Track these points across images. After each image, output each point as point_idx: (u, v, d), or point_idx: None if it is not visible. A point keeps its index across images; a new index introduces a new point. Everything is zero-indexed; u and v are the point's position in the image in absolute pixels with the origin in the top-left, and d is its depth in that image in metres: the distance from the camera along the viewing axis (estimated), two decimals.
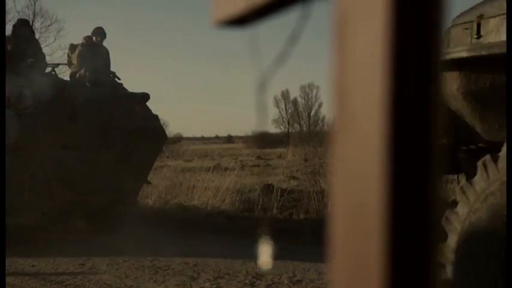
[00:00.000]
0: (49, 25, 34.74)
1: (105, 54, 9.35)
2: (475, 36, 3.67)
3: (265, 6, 0.63)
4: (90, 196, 8.25)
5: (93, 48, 9.16)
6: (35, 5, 33.92)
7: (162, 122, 9.21)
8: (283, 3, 0.64)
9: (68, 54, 9.55)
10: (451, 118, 3.60)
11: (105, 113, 8.35)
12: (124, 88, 9.09)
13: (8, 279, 5.76)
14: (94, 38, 9.33)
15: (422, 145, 0.48)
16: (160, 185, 12.56)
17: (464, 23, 3.78)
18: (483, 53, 3.31)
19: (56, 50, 39.30)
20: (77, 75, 8.98)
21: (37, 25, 34.30)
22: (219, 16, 0.68)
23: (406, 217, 0.48)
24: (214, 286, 5.85)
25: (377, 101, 0.48)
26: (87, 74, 8.85)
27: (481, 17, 3.68)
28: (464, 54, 3.40)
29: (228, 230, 9.06)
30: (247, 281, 5.99)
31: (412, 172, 0.48)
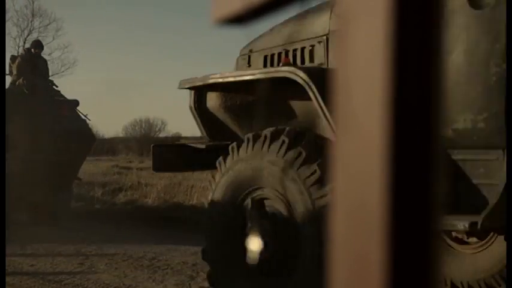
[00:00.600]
0: (47, 24, 34.79)
1: (43, 64, 10.59)
2: (248, 65, 5.08)
3: (263, 5, 0.64)
4: (26, 192, 9.29)
5: (32, 59, 10.36)
6: (33, 4, 33.97)
7: (90, 125, 10.74)
8: (280, 3, 0.64)
9: (10, 64, 10.70)
10: (221, 126, 4.96)
11: (38, 117, 9.47)
12: (61, 95, 10.43)
13: (7, 279, 5.76)
14: (33, 50, 10.56)
15: (423, 144, 0.48)
16: (158, 185, 12.57)
17: (243, 54, 5.21)
18: (230, 79, 4.49)
19: (54, 50, 39.40)
20: (16, 83, 10.18)
21: (36, 24, 34.37)
22: (217, 15, 0.68)
23: (407, 216, 0.48)
24: None
25: (378, 99, 0.48)
26: (24, 82, 10.04)
27: (251, 50, 5.12)
28: (220, 80, 4.54)
29: None
30: None
31: (413, 171, 0.48)
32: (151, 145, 5.28)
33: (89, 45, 52.33)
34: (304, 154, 3.78)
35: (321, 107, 3.81)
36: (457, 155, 3.67)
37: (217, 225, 4.42)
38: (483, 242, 4.66)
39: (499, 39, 3.35)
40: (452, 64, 3.45)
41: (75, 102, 10.22)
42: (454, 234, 4.70)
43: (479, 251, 4.68)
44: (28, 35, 34.09)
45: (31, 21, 33.99)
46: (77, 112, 10.18)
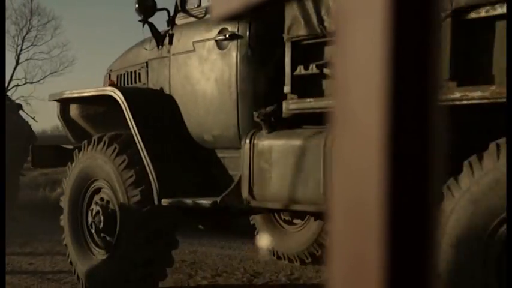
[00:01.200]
0: (46, 23, 34.78)
1: None
2: (108, 83, 6.18)
3: (261, 3, 0.64)
4: None
5: None
6: (31, 2, 33.95)
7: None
8: (278, 0, 0.64)
9: None
10: (83, 131, 6.04)
11: None
12: (8, 99, 11.80)
13: (5, 277, 5.76)
14: None
15: (421, 140, 0.48)
16: None
17: (107, 73, 6.58)
18: (75, 95, 5.88)
19: (53, 48, 39.28)
20: None
21: (34, 23, 34.34)
22: (217, 13, 0.69)
23: (405, 212, 0.48)
24: (212, 284, 5.86)
25: (376, 96, 0.48)
26: None
27: (111, 70, 6.50)
28: (69, 95, 5.92)
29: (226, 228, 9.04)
30: (244, 279, 6.00)
31: (411, 167, 0.48)
32: (30, 146, 6.71)
33: (87, 44, 52.29)
34: (127, 161, 5.02)
35: (130, 120, 5.05)
36: (219, 153, 5.11)
37: (70, 211, 5.73)
38: (303, 222, 6.28)
39: (233, 71, 4.76)
40: (208, 88, 4.93)
41: (20, 106, 12.01)
42: (283, 216, 6.36)
43: (299, 230, 6.35)
44: (27, 33, 34.07)
45: (29, 20, 33.98)
46: (20, 115, 11.63)
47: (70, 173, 5.70)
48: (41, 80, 34.45)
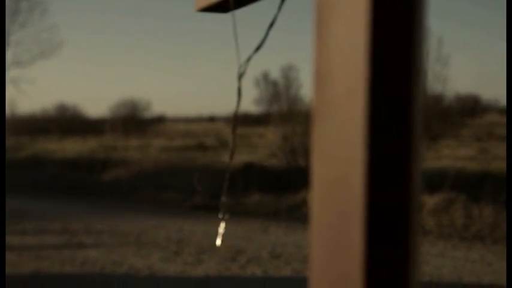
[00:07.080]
0: (34, 6, 34.20)
1: None
2: None
3: None
4: None
5: None
6: None
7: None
8: None
9: None
10: None
11: None
12: None
13: None
14: None
15: (402, 129, 0.49)
16: (146, 166, 12.64)
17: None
18: None
19: (41, 31, 38.76)
20: None
21: (23, 7, 33.80)
22: (201, 3, 0.71)
23: (386, 199, 0.48)
24: (197, 261, 5.95)
25: (357, 85, 0.49)
26: None
27: None
28: None
29: (210, 207, 9.11)
30: (228, 256, 6.09)
31: (392, 155, 0.49)
32: None
33: (74, 27, 51.73)
34: None
35: None
36: None
37: None
38: None
39: None
40: None
41: None
42: None
43: None
44: (15, 16, 33.49)
45: (18, 3, 33.43)
46: None
47: None
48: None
